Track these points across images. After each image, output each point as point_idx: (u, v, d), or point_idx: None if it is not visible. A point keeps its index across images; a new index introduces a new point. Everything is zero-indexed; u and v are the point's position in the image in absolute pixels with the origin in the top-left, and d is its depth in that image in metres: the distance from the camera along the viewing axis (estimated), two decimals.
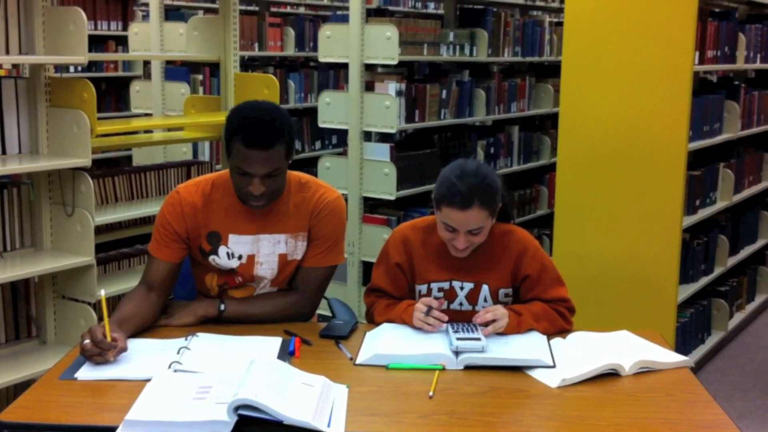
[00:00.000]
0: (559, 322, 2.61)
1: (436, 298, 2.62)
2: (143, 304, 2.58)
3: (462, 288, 2.64)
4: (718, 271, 4.99)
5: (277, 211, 2.67)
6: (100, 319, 3.21)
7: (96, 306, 3.45)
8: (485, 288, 2.63)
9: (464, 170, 2.52)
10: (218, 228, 2.67)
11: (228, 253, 2.68)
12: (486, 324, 2.46)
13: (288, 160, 2.57)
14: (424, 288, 2.66)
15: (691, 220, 4.43)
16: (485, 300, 2.63)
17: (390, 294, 2.70)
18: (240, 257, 2.68)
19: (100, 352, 2.28)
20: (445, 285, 2.65)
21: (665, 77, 3.98)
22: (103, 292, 2.43)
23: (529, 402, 2.18)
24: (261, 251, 2.68)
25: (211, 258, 2.69)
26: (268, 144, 2.48)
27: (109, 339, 2.29)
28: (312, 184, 2.74)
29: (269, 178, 2.52)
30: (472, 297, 2.64)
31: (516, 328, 2.50)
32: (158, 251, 2.66)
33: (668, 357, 2.41)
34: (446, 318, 2.49)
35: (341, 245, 2.78)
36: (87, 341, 2.28)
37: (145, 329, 2.56)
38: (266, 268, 2.70)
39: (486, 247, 2.63)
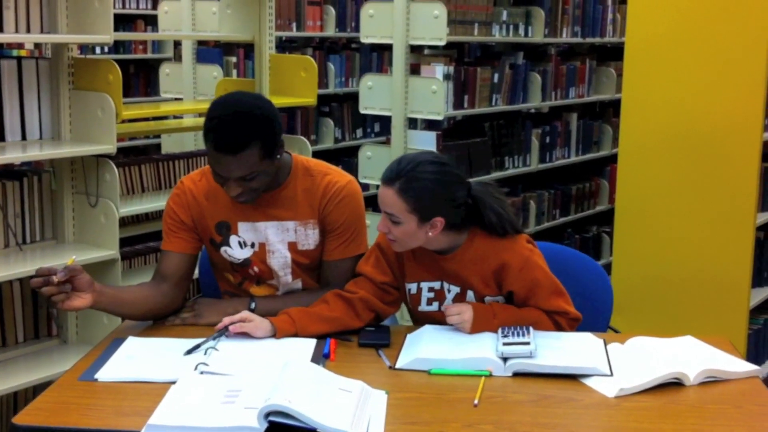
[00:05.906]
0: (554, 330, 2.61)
1: (428, 299, 2.67)
2: (150, 291, 2.68)
3: (449, 291, 2.66)
4: None
5: (285, 198, 2.71)
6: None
7: None
8: (470, 294, 2.64)
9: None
10: (226, 217, 2.72)
11: (240, 242, 2.73)
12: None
13: (270, 159, 2.55)
14: (414, 287, 2.68)
15: (765, 217, 4.36)
16: None
17: (371, 278, 2.67)
18: (252, 245, 2.73)
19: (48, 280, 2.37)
20: (436, 285, 2.66)
21: (739, 59, 3.92)
22: (74, 256, 2.58)
23: (583, 412, 2.17)
24: (269, 239, 2.72)
25: (223, 249, 2.74)
26: (237, 149, 2.48)
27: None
28: (318, 169, 2.76)
29: (245, 180, 2.54)
30: (460, 301, 2.64)
31: (481, 328, 2.52)
32: (167, 243, 2.75)
33: (737, 366, 2.38)
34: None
35: (363, 232, 2.79)
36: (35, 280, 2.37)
37: (157, 324, 2.66)
38: (278, 257, 2.73)
39: (469, 252, 2.61)
